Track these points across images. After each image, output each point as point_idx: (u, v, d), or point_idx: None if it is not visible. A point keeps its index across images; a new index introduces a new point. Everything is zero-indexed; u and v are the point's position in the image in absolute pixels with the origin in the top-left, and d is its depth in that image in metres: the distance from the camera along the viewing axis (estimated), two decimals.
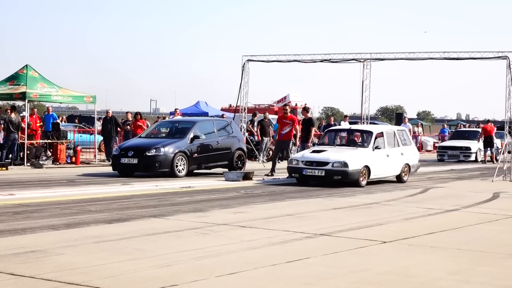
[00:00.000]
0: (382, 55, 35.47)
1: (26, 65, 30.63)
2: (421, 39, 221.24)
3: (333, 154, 22.12)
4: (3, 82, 30.13)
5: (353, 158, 21.95)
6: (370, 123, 41.37)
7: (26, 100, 29.65)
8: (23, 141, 29.09)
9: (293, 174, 22.51)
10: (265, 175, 25.00)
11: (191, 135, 25.29)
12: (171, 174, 24.23)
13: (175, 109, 39.92)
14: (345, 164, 21.61)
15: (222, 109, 53.12)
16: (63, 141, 30.65)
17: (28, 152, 29.19)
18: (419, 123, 59.22)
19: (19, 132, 29.00)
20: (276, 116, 33.32)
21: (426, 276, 9.41)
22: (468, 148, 40.25)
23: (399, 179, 23.93)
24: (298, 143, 26.92)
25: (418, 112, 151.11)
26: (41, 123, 33.39)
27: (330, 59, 36.11)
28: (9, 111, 29.21)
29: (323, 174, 21.76)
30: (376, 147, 22.82)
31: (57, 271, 9.07)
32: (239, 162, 26.82)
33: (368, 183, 22.43)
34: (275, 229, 12.98)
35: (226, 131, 27.05)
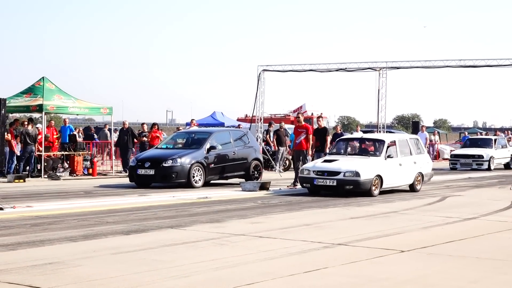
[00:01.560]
0: (398, 63, 35.41)
1: (43, 77, 30.75)
2: (437, 47, 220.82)
3: (345, 164, 21.88)
4: (20, 94, 30.25)
5: (365, 167, 21.68)
6: (386, 131, 41.29)
7: (43, 112, 29.75)
8: (40, 153, 29.19)
9: (304, 184, 22.30)
10: (287, 186, 24.78)
11: (207, 145, 25.29)
12: (188, 185, 24.21)
13: (191, 119, 39.95)
14: (357, 174, 21.36)
15: (238, 119, 53.14)
16: (80, 152, 30.73)
17: (45, 164, 29.29)
18: (436, 131, 59.03)
19: (36, 144, 29.11)
20: (292, 126, 33.30)
21: (445, 285, 9.36)
22: (481, 156, 39.89)
23: (412, 188, 23.69)
24: (310, 152, 26.60)
25: (435, 120, 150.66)
26: (58, 135, 33.48)
27: (346, 68, 36.11)
28: (26, 123, 29.31)
29: (334, 183, 21.48)
30: (389, 156, 22.59)
31: (75, 282, 9.07)
32: (256, 172, 26.78)
33: (383, 192, 22.30)
34: (292, 239, 12.95)
35: (243, 141, 27.04)
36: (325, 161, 22.61)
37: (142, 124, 35.15)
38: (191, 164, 24.42)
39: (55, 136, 32.59)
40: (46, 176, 28.65)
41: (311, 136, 25.32)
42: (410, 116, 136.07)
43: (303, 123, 26.24)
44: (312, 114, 50.36)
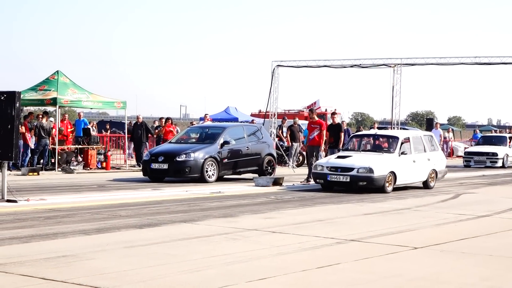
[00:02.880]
0: (413, 60, 35.35)
1: (57, 71, 30.83)
2: (451, 44, 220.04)
3: (358, 160, 21.89)
4: (34, 87, 30.34)
5: (379, 164, 21.67)
6: (400, 128, 41.20)
7: (57, 106, 29.83)
8: (54, 147, 29.29)
9: (317, 180, 22.26)
10: (301, 182, 24.76)
11: (221, 140, 25.29)
12: (201, 179, 24.22)
13: (205, 114, 40.00)
14: (370, 170, 21.32)
15: (252, 115, 53.10)
16: (94, 146, 30.80)
17: (59, 157, 29.39)
18: (450, 129, 58.87)
19: (50, 138, 29.20)
20: (306, 122, 33.28)
21: (458, 282, 9.33)
22: (495, 154, 39.72)
23: (425, 185, 23.61)
24: (323, 147, 26.50)
25: (449, 117, 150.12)
26: (72, 129, 33.58)
27: (360, 64, 36.07)
28: (40, 116, 29.41)
29: (348, 180, 21.44)
30: (402, 153, 22.53)
31: (88, 275, 9.10)
32: (269, 168, 26.74)
33: (396, 189, 22.22)
34: (305, 234, 12.95)
35: (256, 137, 26.99)
36: (339, 157, 22.57)
37: (160, 118, 35.06)
38: (205, 159, 24.41)
39: (69, 130, 32.69)
40: (60, 169, 28.74)
41: (324, 132, 25.27)
42: (424, 113, 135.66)
43: (316, 119, 26.20)
44: (326, 110, 50.23)
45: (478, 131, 64.53)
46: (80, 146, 30.71)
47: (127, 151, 34.88)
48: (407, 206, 18.15)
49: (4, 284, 8.64)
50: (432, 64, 36.02)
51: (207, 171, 24.44)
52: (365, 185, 21.39)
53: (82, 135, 32.01)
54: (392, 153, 22.49)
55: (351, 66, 36.59)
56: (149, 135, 33.73)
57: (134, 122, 35.31)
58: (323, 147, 26.23)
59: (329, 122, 32.84)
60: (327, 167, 21.89)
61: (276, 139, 35.83)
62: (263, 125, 33.21)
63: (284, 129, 36.79)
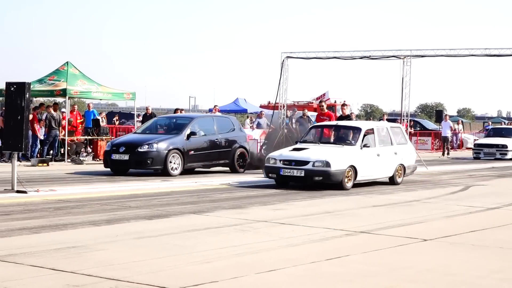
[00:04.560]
0: (422, 51, 35.24)
1: (67, 62, 30.90)
2: (461, 35, 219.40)
3: (315, 153, 19.82)
4: (44, 78, 30.40)
5: (337, 157, 19.65)
6: (410, 120, 41.09)
7: (67, 97, 29.89)
8: (64, 138, 29.35)
9: (270, 175, 20.27)
10: None
11: (187, 131, 23.95)
12: (164, 172, 22.89)
13: (214, 106, 39.98)
14: (327, 164, 19.31)
15: (261, 106, 53.06)
16: (103, 137, 30.84)
17: (69, 148, 29.45)
18: (460, 120, 58.77)
19: (60, 128, 29.27)
20: (315, 113, 33.24)
21: (467, 275, 9.33)
22: (505, 146, 39.58)
23: (392, 181, 21.66)
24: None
25: (459, 109, 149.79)
26: (82, 120, 33.64)
27: (370, 56, 35.96)
28: (51, 107, 29.47)
29: (302, 174, 19.43)
30: (365, 145, 20.49)
31: (98, 266, 9.12)
32: (241, 161, 25.57)
33: (358, 185, 20.13)
34: (314, 226, 12.95)
35: (228, 128, 25.77)
36: (294, 149, 20.60)
37: (176, 110, 34.94)
38: (168, 150, 23.04)
39: (78, 121, 32.74)
40: (69, 160, 28.79)
41: None
42: (434, 104, 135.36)
43: (326, 110, 26.19)
44: (335, 101, 50.17)
45: (490, 123, 64.35)
46: (89, 137, 30.76)
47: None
48: (416, 198, 18.13)
49: (14, 274, 8.66)
50: (442, 55, 35.84)
51: (171, 163, 23.08)
52: (321, 180, 19.42)
53: (91, 126, 32.06)
54: (353, 146, 20.47)
55: (361, 58, 36.42)
56: None
57: (144, 113, 35.35)
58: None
59: (339, 113, 32.79)
60: (280, 160, 19.91)
61: (285, 131, 35.76)
62: (272, 116, 33.06)
63: (293, 121, 36.74)
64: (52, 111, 29.03)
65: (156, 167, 22.96)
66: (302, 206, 16.06)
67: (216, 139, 24.95)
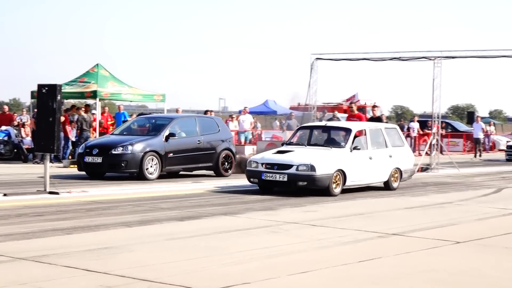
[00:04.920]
0: (453, 53, 35.00)
1: (97, 64, 31.10)
2: (493, 36, 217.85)
3: (299, 156, 18.37)
4: (75, 80, 30.63)
5: (323, 161, 18.13)
6: (441, 122, 40.88)
7: (97, 99, 30.07)
8: None
9: (251, 179, 18.82)
10: None
11: (166, 132, 22.51)
12: (140, 175, 21.60)
13: (244, 107, 40.02)
14: (312, 168, 17.82)
15: (290, 108, 53.04)
16: None
17: None
18: (491, 122, 58.31)
19: (91, 130, 29.44)
20: (345, 115, 33.18)
21: (500, 277, 9.26)
22: None
23: (387, 185, 20.16)
24: None
25: (490, 110, 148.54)
26: (113, 121, 33.81)
27: (400, 57, 35.78)
28: (83, 109, 29.67)
29: (285, 179, 18.02)
30: (355, 148, 18.92)
31: (130, 267, 9.15)
32: (226, 164, 24.01)
33: (348, 191, 18.67)
34: (346, 228, 12.91)
35: (211, 130, 24.15)
36: (278, 152, 19.19)
37: (206, 111, 34.94)
38: (145, 153, 21.61)
39: (109, 122, 32.91)
40: None
41: None
42: (465, 106, 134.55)
43: (356, 112, 26.06)
44: (365, 103, 50.05)
45: None
46: None
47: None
48: (448, 200, 18.01)
49: (48, 275, 8.72)
50: (473, 57, 35.60)
51: (147, 167, 21.73)
52: (305, 185, 18.00)
53: None
54: (343, 148, 18.94)
55: (391, 59, 36.27)
56: None
57: None
58: None
59: (369, 115, 32.71)
60: (262, 164, 18.49)
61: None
62: (302, 118, 33.03)
63: (324, 122, 36.67)
64: (83, 113, 29.20)
65: (131, 170, 21.64)
66: (333, 208, 16.04)
67: (198, 140, 23.46)
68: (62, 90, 17.82)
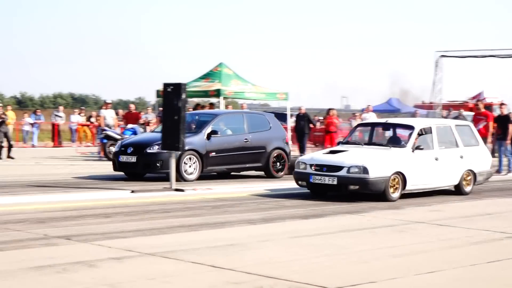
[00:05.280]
0: None
1: (221, 63, 31.45)
2: None
3: (352, 156, 16.49)
4: (199, 79, 31.07)
5: (378, 162, 16.23)
6: None
7: (221, 97, 30.41)
8: None
9: (299, 182, 17.10)
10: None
11: (208, 129, 20.68)
12: (177, 176, 18.85)
13: (368, 105, 39.69)
14: (364, 170, 15.94)
15: (415, 106, 52.36)
16: None
17: None
18: None
19: None
20: (471, 113, 32.52)
21: None
22: None
23: (458, 190, 18.05)
24: (490, 139, 25.64)
25: None
26: None
27: None
28: (207, 107, 30.08)
29: (335, 182, 16.19)
30: (417, 147, 16.87)
31: (256, 264, 9.20)
32: (278, 164, 22.10)
33: (409, 195, 16.88)
34: (474, 228, 12.61)
35: (261, 127, 22.18)
36: (330, 152, 17.50)
37: (329, 110, 34.79)
38: (183, 151, 19.27)
39: None
40: None
41: (491, 124, 24.56)
42: None
43: (483, 110, 25.51)
44: (491, 101, 48.95)
45: None
46: None
47: (289, 142, 35.01)
48: None
49: (176, 270, 8.86)
50: None
51: (185, 167, 20.00)
52: (357, 189, 16.19)
53: None
54: (403, 148, 16.93)
55: None
56: (311, 126, 33.75)
57: (297, 113, 35.49)
58: (489, 139, 25.51)
59: (496, 113, 31.90)
60: (310, 165, 16.74)
61: None
62: (427, 116, 32.56)
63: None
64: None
65: (167, 171, 18.64)
66: (461, 207, 15.73)
67: (246, 139, 21.55)
68: (187, 89, 18.07)
